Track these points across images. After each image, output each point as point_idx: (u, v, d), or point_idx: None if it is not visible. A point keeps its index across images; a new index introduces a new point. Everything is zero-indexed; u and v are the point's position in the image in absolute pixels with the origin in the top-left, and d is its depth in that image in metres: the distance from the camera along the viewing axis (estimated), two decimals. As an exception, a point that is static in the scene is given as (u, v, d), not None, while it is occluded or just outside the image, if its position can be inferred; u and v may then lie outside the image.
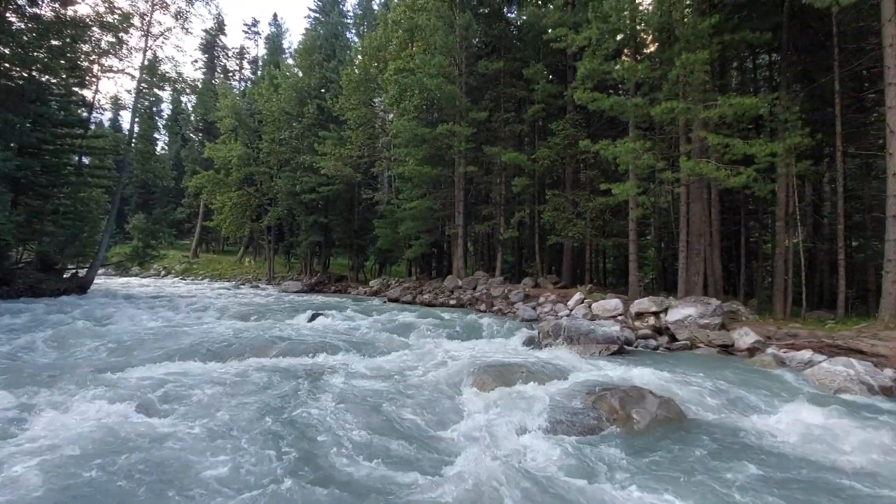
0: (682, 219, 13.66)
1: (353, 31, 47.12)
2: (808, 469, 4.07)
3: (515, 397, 5.69)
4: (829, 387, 6.68)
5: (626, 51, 15.95)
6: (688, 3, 13.35)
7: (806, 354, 8.19)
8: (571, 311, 14.05)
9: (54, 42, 20.37)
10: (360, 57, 30.93)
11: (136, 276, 39.12)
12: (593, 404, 5.43)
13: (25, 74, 20.02)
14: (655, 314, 11.37)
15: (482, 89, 22.50)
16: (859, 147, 15.09)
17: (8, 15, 18.91)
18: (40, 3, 20.37)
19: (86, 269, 22.72)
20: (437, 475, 3.76)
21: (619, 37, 14.81)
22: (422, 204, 22.37)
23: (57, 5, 21.01)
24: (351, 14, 50.38)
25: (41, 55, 19.89)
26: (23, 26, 19.44)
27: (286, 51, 54.08)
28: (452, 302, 19.25)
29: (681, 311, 10.80)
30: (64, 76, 21.43)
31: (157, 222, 30.64)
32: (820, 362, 7.50)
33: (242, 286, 31.78)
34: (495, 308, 16.97)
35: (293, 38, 57.66)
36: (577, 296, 14.67)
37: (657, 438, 4.69)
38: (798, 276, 13.53)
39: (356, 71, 29.02)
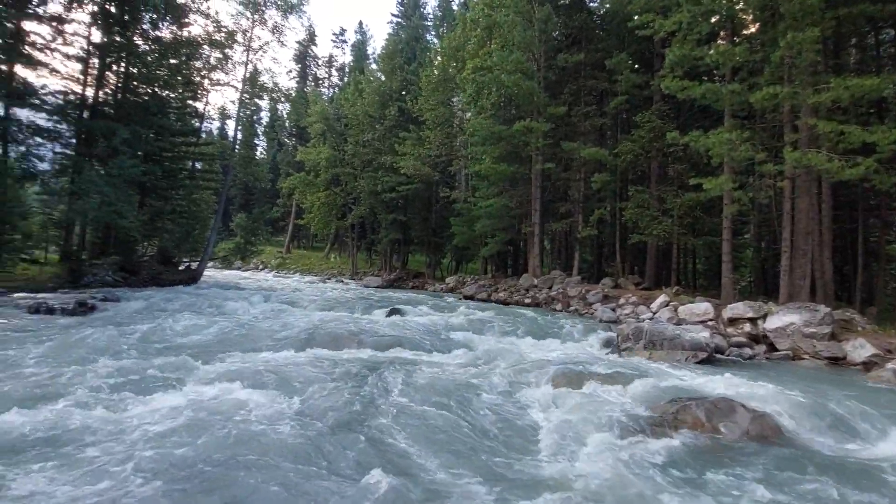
0: (786, 216, 12.32)
1: (433, 32, 48.03)
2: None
3: (591, 401, 5.53)
4: (971, 413, 5.71)
5: (721, 33, 14.68)
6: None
7: (941, 373, 7.08)
8: (655, 314, 13.29)
9: (172, 60, 23.07)
10: (439, 58, 31.50)
11: (238, 269, 43.19)
12: (675, 414, 5.12)
13: (149, 90, 22.92)
14: (752, 321, 10.42)
15: (561, 83, 21.91)
16: None
17: (136, 38, 21.74)
18: (161, 25, 23.18)
19: (197, 263, 25.53)
20: (508, 477, 3.80)
21: (713, 19, 13.69)
22: (498, 202, 22.32)
23: (175, 27, 23.79)
24: (431, 16, 51.38)
25: (162, 73, 22.64)
26: (147, 48, 22.24)
27: (370, 56, 56.48)
28: (527, 300, 19.03)
29: (782, 318, 9.79)
30: (180, 90, 24.19)
31: (256, 221, 33.62)
32: (959, 383, 6.45)
33: (328, 280, 33.83)
34: (572, 308, 16.51)
35: (377, 44, 60.08)
36: (662, 298, 13.83)
37: (747, 456, 4.33)
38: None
39: (435, 72, 29.61)
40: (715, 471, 3.99)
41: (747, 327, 10.33)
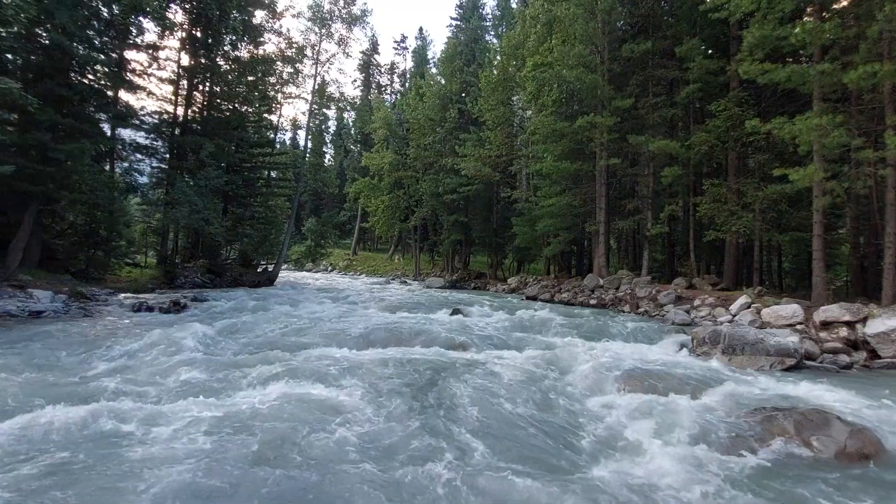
0: (890, 208, 10.99)
1: (492, 32, 47.89)
2: None
3: (663, 408, 5.27)
4: None
5: (807, 10, 13.40)
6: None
7: None
8: (734, 316, 12.39)
9: (250, 77, 24.87)
10: (498, 57, 31.39)
11: (309, 270, 45.57)
12: (760, 425, 4.77)
13: (230, 107, 24.86)
14: (849, 324, 9.41)
15: (627, 75, 21.01)
16: None
17: (218, 59, 23.67)
18: (240, 46, 25.07)
19: (273, 265, 27.30)
20: (579, 483, 3.74)
21: (799, -6, 12.52)
22: (560, 200, 21.83)
23: (251, 46, 25.62)
24: (490, 16, 51.26)
25: (241, 89, 24.48)
26: (227, 67, 24.15)
27: (430, 61, 57.38)
28: (593, 301, 18.45)
29: (886, 322, 8.77)
30: (257, 105, 26.02)
31: (325, 225, 35.37)
32: None
33: (392, 281, 34.78)
34: (641, 310, 15.79)
35: (437, 48, 60.89)
36: (743, 299, 12.86)
37: (843, 476, 3.94)
38: None
39: (494, 72, 29.54)
40: (806, 491, 3.68)
41: (843, 332, 9.35)
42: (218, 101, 24.51)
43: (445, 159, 32.00)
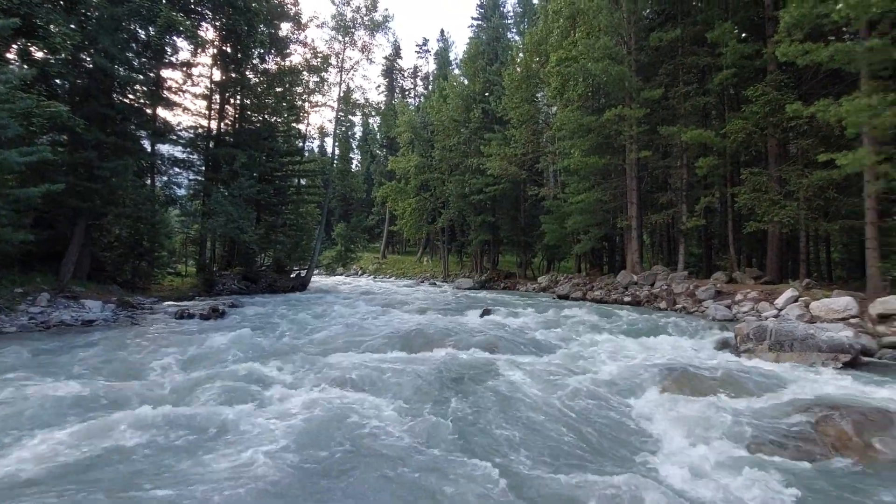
0: (954, 190, 10.23)
1: (514, 30, 47.53)
2: None
3: (707, 409, 5.04)
4: None
5: (852, -16, 12.61)
6: None
7: None
8: (781, 310, 11.80)
9: (278, 89, 25.50)
10: (521, 55, 31.07)
11: (340, 275, 46.33)
12: (815, 426, 4.51)
13: (260, 118, 25.55)
14: (910, 317, 8.78)
15: (655, 65, 20.39)
16: None
17: (247, 73, 24.38)
18: (267, 58, 25.74)
19: (305, 271, 27.86)
20: (616, 487, 3.60)
21: (841, -33, 11.81)
22: (590, 196, 21.37)
23: (278, 58, 26.27)
24: (511, 14, 50.90)
25: (270, 101, 25.13)
26: (256, 80, 24.84)
27: (452, 62, 57.44)
28: (627, 299, 17.96)
29: (954, 314, 8.13)
30: (285, 115, 26.64)
31: (355, 229, 35.85)
32: None
33: (422, 283, 34.92)
34: (678, 306, 15.25)
35: (458, 49, 60.92)
36: (789, 293, 12.23)
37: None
38: None
39: (518, 69, 29.25)
40: (867, 493, 3.42)
41: (905, 325, 8.73)
42: (248, 113, 25.24)
43: (471, 160, 31.90)
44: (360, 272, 49.42)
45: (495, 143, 29.28)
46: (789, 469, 3.86)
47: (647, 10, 21.65)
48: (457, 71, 46.44)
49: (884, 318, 9.16)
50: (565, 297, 20.61)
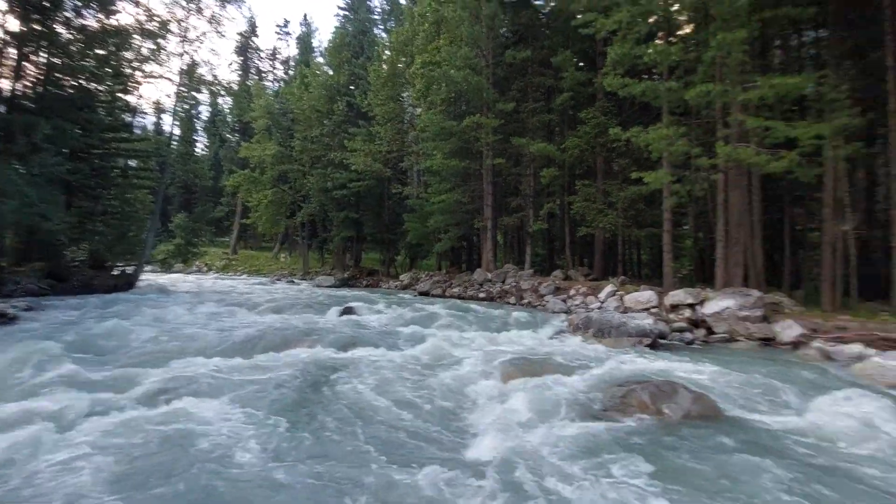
0: (720, 207, 13.13)
1: (381, 26, 47.36)
2: (850, 470, 3.87)
3: (541, 389, 5.64)
4: (882, 381, 6.31)
5: (658, 33, 15.37)
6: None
7: (855, 348, 7.77)
8: (603, 303, 13.79)
9: (100, 51, 21.41)
10: (387, 52, 31.12)
11: (179, 272, 40.87)
12: (622, 398, 5.34)
13: (75, 83, 21.16)
14: (691, 306, 11.02)
15: (509, 80, 22.22)
16: None
17: (57, 27, 19.99)
18: (86, 13, 21.43)
19: (133, 267, 23.93)
20: (452, 466, 3.80)
21: (651, 19, 14.30)
22: (450, 197, 22.38)
23: (101, 15, 22.07)
24: (378, 10, 50.63)
25: (88, 64, 20.97)
26: (71, 37, 20.52)
27: (316, 50, 54.95)
28: (482, 295, 19.24)
29: (718, 303, 10.43)
30: (109, 83, 22.51)
31: (198, 221, 31.96)
32: (871, 356, 7.09)
33: (278, 281, 32.73)
34: (525, 301, 16.85)
35: (323, 37, 58.58)
36: (609, 288, 14.37)
37: (687, 435, 4.56)
38: (849, 265, 12.79)
39: (384, 66, 29.23)
40: (659, 450, 4.18)
41: (687, 313, 10.92)
42: (58, 75, 20.68)
43: (334, 153, 30.90)
44: (204, 269, 44.31)
45: (360, 139, 28.85)
46: (603, 434, 4.55)
47: (504, 29, 23.45)
48: (320, 59, 44.54)
49: (674, 307, 11.33)
50: (426, 294, 21.23)
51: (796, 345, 8.86)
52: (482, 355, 7.33)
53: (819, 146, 11.38)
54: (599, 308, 13.34)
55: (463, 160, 21.90)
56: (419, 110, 27.39)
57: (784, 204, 16.57)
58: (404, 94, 29.50)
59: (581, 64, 20.89)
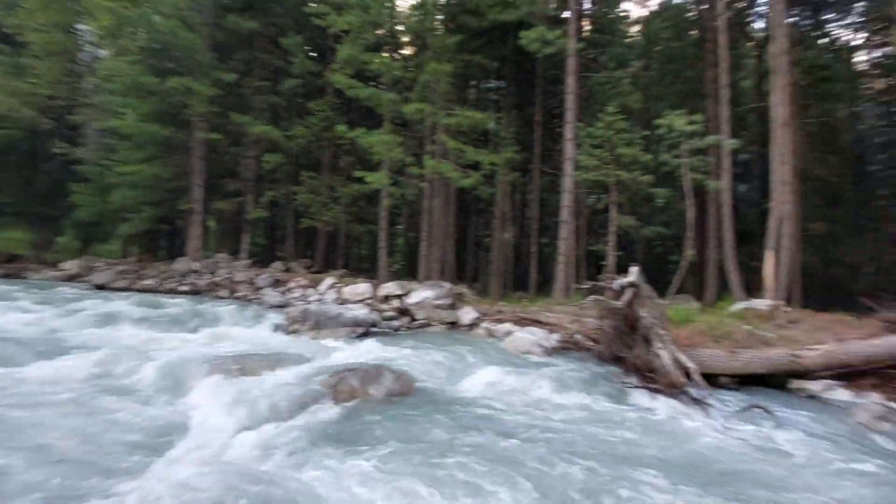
0: (426, 212, 15.23)
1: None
2: (492, 413, 5.04)
3: (249, 387, 5.22)
4: (520, 350, 8.48)
5: (385, 47, 16.66)
6: (438, 18, 14.80)
7: (506, 326, 10.21)
8: (322, 296, 13.96)
9: None
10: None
11: None
12: (334, 387, 5.49)
13: None
14: (399, 297, 12.33)
15: (232, 48, 19.95)
16: (551, 167, 19.72)
17: None
18: None
19: None
20: (144, 478, 3.13)
21: (379, 31, 15.35)
22: (146, 170, 18.36)
23: None
24: None
25: None
26: None
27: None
28: (184, 288, 16.61)
29: (420, 294, 12.01)
30: None
31: None
32: (515, 332, 9.46)
33: None
34: (239, 294, 15.46)
35: None
36: (329, 280, 14.67)
37: (389, 409, 5.07)
38: (507, 264, 16.86)
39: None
40: (367, 428, 4.50)
41: (396, 303, 12.18)
42: None
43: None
44: None
45: (1, 69, 20.56)
46: (314, 419, 4.61)
47: (229, -10, 20.91)
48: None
49: (386, 298, 12.46)
50: (104, 288, 16.84)
51: (472, 326, 11.05)
52: (180, 356, 6.28)
53: (494, 171, 14.59)
54: (319, 301, 13.43)
55: (166, 127, 18.33)
56: (105, 52, 21.53)
57: (471, 214, 20.61)
58: (81, 26, 22.61)
59: (313, 52, 20.61)
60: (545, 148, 18.40)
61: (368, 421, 4.70)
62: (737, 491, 3.55)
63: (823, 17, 22.75)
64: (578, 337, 8.82)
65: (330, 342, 8.55)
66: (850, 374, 6.50)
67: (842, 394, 6.32)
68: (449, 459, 3.77)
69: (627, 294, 6.58)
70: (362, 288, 13.30)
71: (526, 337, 8.78)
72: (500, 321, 10.70)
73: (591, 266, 17.50)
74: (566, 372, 6.86)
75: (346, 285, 14.04)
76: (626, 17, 22.79)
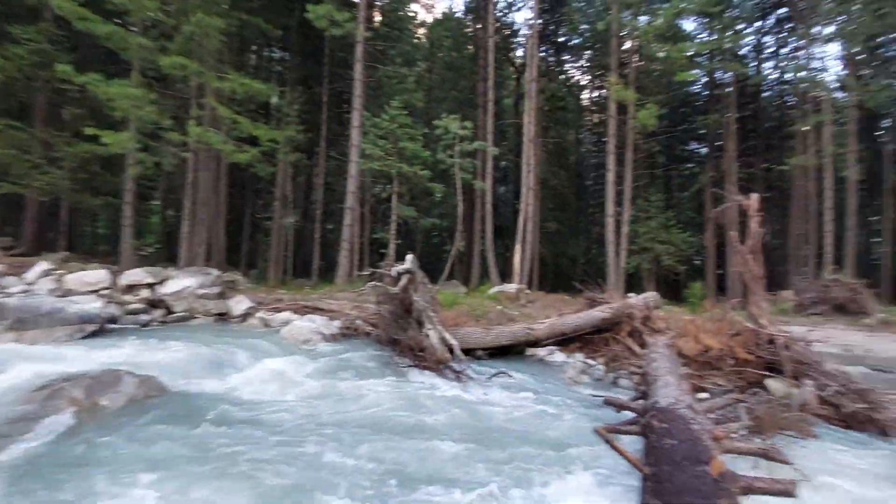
0: (188, 186, 13.11)
1: None
2: (258, 407, 4.69)
3: None
4: (299, 339, 8.12)
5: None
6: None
7: (285, 315, 9.66)
8: (31, 286, 10.64)
9: None
10: None
11: None
12: (45, 401, 4.27)
13: None
14: (151, 286, 10.34)
15: None
16: (338, 151, 19.37)
17: None
18: None
19: None
20: None
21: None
22: None
23: None
24: None
25: None
26: None
27: None
28: None
29: (180, 282, 10.31)
30: None
31: None
32: (294, 321, 9.01)
33: None
34: None
35: None
36: (43, 266, 11.27)
37: (136, 417, 4.22)
38: (289, 250, 15.94)
39: None
40: (92, 449, 3.59)
41: (145, 293, 10.17)
42: None
43: None
44: None
45: None
46: (19, 448, 3.43)
47: None
48: None
49: (130, 287, 10.25)
50: None
51: (245, 317, 10.05)
52: None
53: (275, 149, 13.50)
54: (25, 292, 10.18)
55: None
56: None
57: (247, 193, 18.69)
58: None
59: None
60: (333, 132, 18.00)
61: (95, 434, 3.82)
62: (487, 439, 4.18)
63: (563, 58, 28.69)
64: (359, 322, 8.94)
65: (43, 346, 6.61)
66: (565, 340, 8.34)
67: (559, 356, 8.05)
68: (198, 468, 3.31)
69: (403, 280, 6.96)
70: (97, 275, 10.65)
71: (305, 325, 8.46)
72: (279, 310, 10.06)
73: (374, 253, 18.01)
74: (343, 357, 6.89)
75: (72, 272, 11.02)
76: (415, 17, 24.06)
